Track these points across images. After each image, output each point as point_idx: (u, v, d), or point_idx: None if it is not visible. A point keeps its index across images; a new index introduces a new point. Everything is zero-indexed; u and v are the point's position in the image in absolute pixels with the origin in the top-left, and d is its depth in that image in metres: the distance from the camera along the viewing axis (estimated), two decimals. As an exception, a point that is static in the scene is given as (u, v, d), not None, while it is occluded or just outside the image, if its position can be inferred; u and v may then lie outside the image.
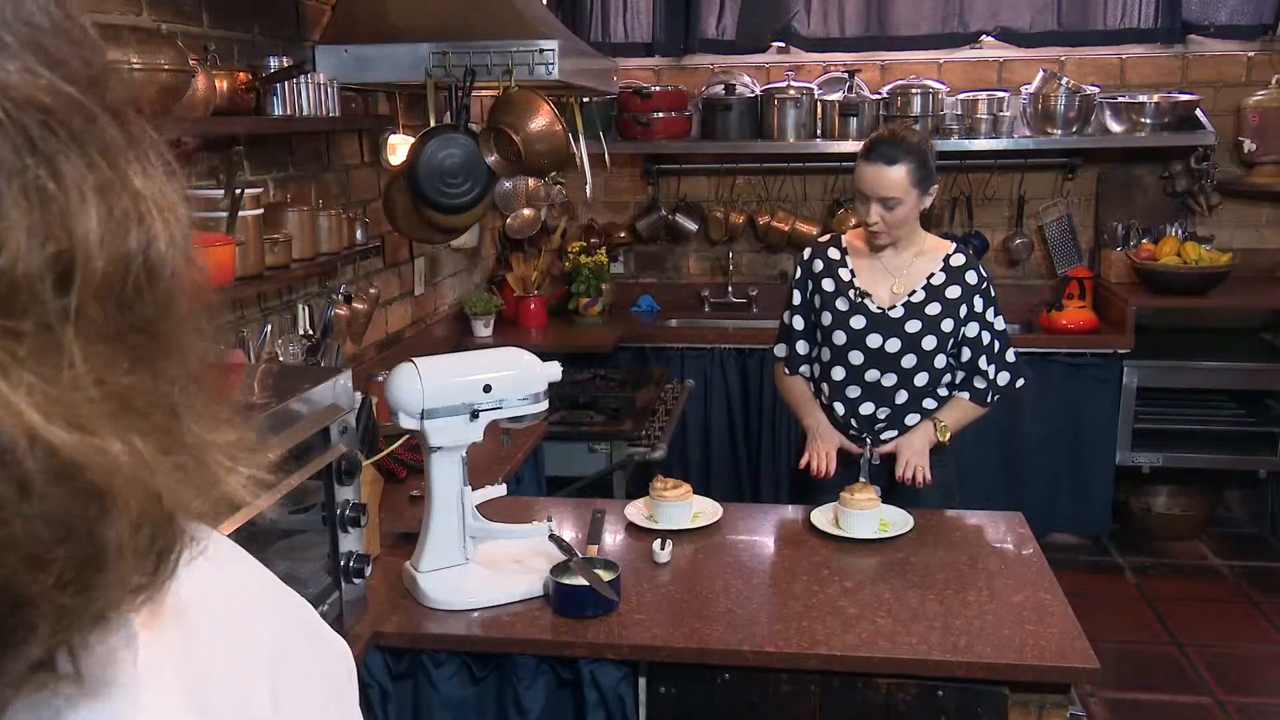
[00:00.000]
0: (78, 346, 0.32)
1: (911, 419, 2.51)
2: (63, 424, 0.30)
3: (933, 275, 2.48)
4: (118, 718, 0.39)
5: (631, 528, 2.28)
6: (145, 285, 0.35)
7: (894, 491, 2.44)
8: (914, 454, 2.48)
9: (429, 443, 1.91)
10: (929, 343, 2.46)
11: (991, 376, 2.50)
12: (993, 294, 2.51)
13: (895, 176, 2.37)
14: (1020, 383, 2.56)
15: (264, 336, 2.52)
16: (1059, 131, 4.22)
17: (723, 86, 4.38)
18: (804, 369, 2.62)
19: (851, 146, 4.02)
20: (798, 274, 2.60)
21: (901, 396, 2.49)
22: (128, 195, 0.35)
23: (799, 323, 2.59)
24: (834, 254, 2.55)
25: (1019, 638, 1.80)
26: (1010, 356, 2.53)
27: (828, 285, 2.52)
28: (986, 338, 2.49)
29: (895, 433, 2.52)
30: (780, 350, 2.65)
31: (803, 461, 2.55)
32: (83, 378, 0.32)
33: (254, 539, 1.57)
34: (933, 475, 2.48)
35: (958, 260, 2.50)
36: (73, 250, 0.32)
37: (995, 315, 2.50)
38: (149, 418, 0.34)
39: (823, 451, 2.53)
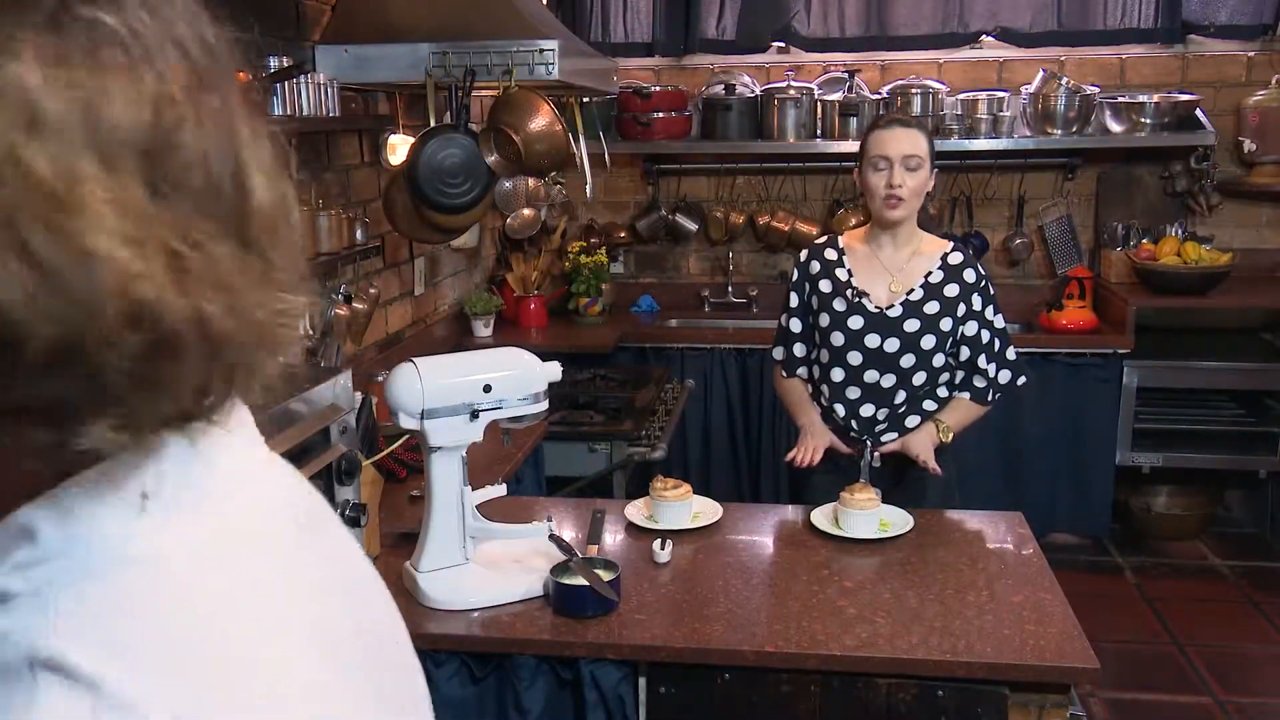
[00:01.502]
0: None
1: (911, 420, 2.51)
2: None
3: (930, 274, 2.48)
4: (249, 443, 0.58)
5: (631, 528, 2.28)
6: (285, 221, 0.53)
7: (894, 493, 2.44)
8: (920, 447, 2.48)
9: (429, 443, 1.91)
10: (927, 342, 2.46)
11: (992, 375, 2.50)
12: (991, 292, 2.51)
13: (916, 137, 2.40)
14: (1021, 380, 2.56)
15: (264, 336, 2.52)
16: (1059, 131, 4.22)
17: (723, 86, 4.38)
18: (801, 371, 2.62)
19: (851, 146, 4.02)
20: (795, 276, 2.60)
21: (900, 397, 2.49)
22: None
23: (796, 325, 2.59)
24: (831, 255, 2.55)
25: (1019, 638, 1.80)
26: (1010, 354, 2.53)
27: (825, 286, 2.52)
28: (986, 336, 2.49)
29: (895, 435, 2.52)
30: (778, 353, 2.66)
31: (789, 455, 2.56)
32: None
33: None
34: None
35: (955, 258, 2.50)
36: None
37: (994, 313, 2.50)
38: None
39: (810, 445, 2.53)
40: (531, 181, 3.89)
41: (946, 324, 2.46)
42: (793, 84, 4.38)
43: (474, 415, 1.92)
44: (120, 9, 0.46)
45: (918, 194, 2.42)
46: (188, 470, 0.53)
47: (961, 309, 2.47)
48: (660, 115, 4.38)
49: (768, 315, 4.02)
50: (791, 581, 2.03)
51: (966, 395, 2.53)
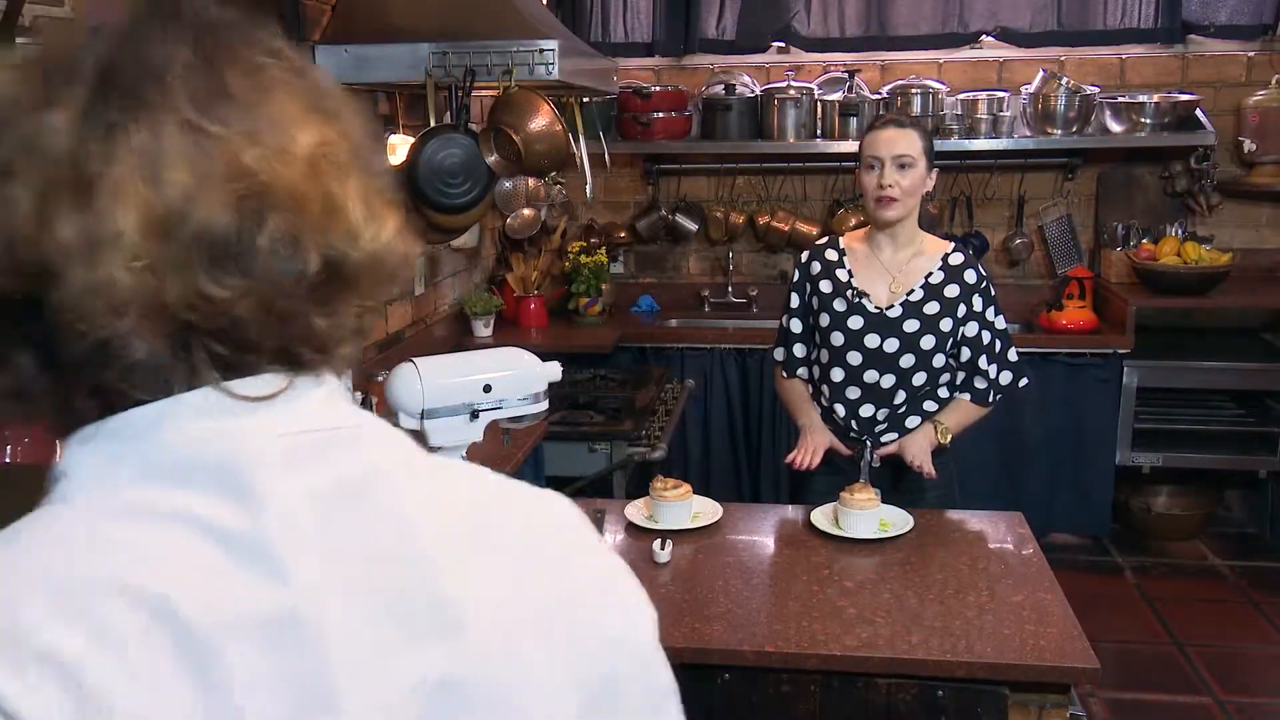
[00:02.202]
0: None
1: (912, 421, 2.51)
2: None
3: (931, 274, 2.48)
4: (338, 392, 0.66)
5: (631, 528, 2.28)
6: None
7: (893, 493, 2.44)
8: (917, 450, 2.48)
9: (429, 443, 1.91)
10: (927, 342, 2.46)
11: (993, 376, 2.50)
12: (992, 293, 2.51)
13: (909, 136, 2.39)
14: (1023, 382, 2.55)
15: (264, 336, 2.52)
16: (1059, 131, 4.22)
17: (723, 86, 4.38)
18: (802, 371, 2.62)
19: (851, 146, 4.02)
20: (795, 277, 2.60)
21: (900, 397, 2.49)
22: None
23: (797, 325, 2.59)
24: (831, 255, 2.55)
25: (1019, 638, 1.80)
26: (1012, 356, 2.53)
27: (825, 287, 2.52)
28: (987, 337, 2.48)
29: (895, 435, 2.52)
30: (779, 353, 2.66)
31: (789, 456, 2.55)
32: None
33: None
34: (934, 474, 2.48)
35: (956, 259, 2.50)
36: None
37: (995, 314, 2.50)
38: None
39: (809, 447, 2.53)
40: (531, 181, 3.89)
41: (946, 325, 2.46)
42: (793, 84, 4.38)
43: (474, 415, 1.92)
44: None
45: (911, 193, 2.42)
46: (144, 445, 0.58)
47: (962, 310, 2.47)
48: (660, 115, 4.38)
49: (768, 315, 4.02)
50: (791, 581, 2.03)
51: (967, 396, 2.52)
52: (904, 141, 2.39)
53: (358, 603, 0.58)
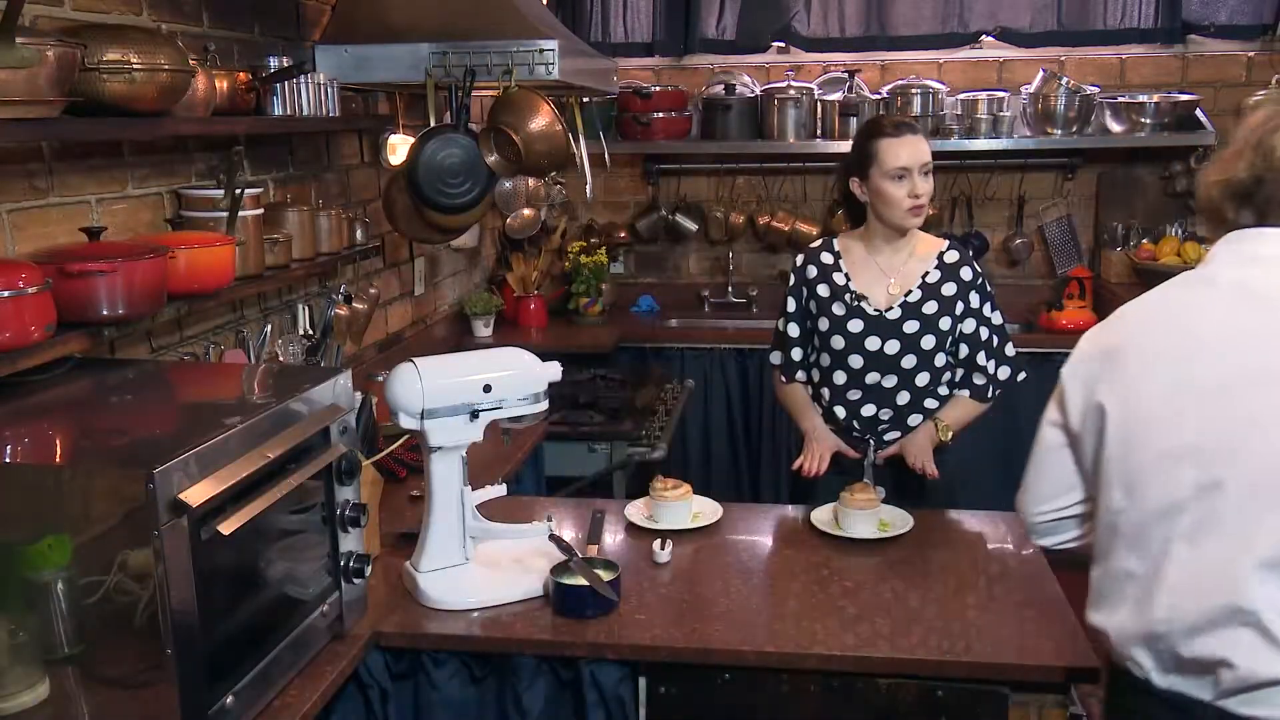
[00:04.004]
0: None
1: (914, 419, 2.51)
2: None
3: (927, 274, 2.48)
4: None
5: (631, 528, 2.28)
6: None
7: (896, 492, 2.43)
8: (918, 450, 2.48)
9: (429, 443, 1.92)
10: (928, 342, 2.46)
11: (991, 372, 2.50)
12: (988, 289, 2.51)
13: (925, 142, 2.43)
14: (1022, 376, 2.55)
15: (264, 336, 2.52)
16: (1059, 131, 4.22)
17: (723, 86, 4.38)
18: (800, 374, 2.62)
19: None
20: (791, 280, 2.59)
21: (903, 398, 2.49)
22: None
23: (794, 329, 2.59)
24: (827, 258, 2.54)
25: (1019, 638, 1.80)
26: (1010, 351, 2.53)
27: (823, 290, 2.51)
28: (984, 333, 2.48)
29: (898, 434, 2.52)
30: (776, 358, 2.65)
31: (796, 463, 2.54)
32: None
33: (255, 538, 1.57)
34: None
35: (951, 257, 2.50)
36: None
37: (992, 310, 2.50)
38: None
39: (817, 453, 2.52)
40: (531, 181, 3.89)
41: (945, 323, 2.46)
42: (793, 84, 4.38)
43: (474, 415, 1.92)
44: None
45: (930, 197, 2.45)
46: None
47: (959, 307, 2.47)
48: (660, 115, 4.38)
49: (768, 315, 4.01)
50: (791, 581, 2.03)
51: (966, 393, 2.52)
52: (925, 148, 2.40)
53: (1167, 337, 1.53)
